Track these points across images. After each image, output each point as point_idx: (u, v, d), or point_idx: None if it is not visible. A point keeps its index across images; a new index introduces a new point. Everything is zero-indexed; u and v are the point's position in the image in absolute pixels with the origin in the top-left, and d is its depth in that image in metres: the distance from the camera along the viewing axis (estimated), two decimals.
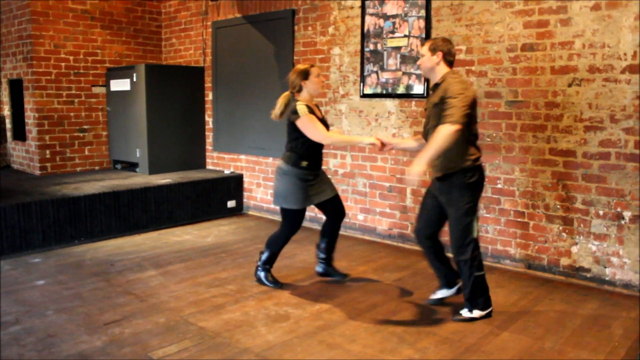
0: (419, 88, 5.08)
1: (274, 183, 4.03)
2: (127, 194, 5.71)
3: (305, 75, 3.88)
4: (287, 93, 3.97)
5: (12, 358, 2.97)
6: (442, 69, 3.46)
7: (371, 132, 5.44)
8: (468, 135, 3.37)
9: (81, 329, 3.34)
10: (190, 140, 7.23)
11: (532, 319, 3.54)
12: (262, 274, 4.17)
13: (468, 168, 3.40)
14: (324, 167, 4.36)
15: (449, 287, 3.79)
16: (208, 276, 4.38)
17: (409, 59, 5.12)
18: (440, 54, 3.44)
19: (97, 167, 7.34)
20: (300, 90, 3.91)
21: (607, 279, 4.14)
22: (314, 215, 5.94)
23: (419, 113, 5.09)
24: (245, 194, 6.89)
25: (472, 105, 3.35)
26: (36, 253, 4.99)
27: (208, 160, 7.42)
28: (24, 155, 7.17)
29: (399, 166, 5.30)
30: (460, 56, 4.77)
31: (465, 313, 3.54)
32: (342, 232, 5.70)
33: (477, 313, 3.53)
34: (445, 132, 3.18)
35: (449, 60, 3.48)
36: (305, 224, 4.86)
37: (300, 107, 3.79)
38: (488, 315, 3.56)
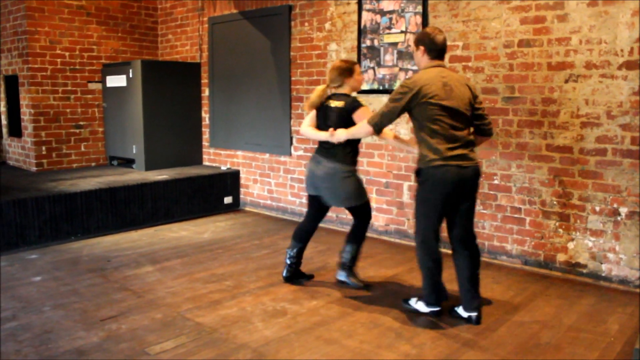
0: None
1: (334, 187, 3.81)
2: (124, 190, 5.69)
3: (349, 72, 3.84)
4: (323, 86, 3.92)
5: (9, 354, 2.97)
6: (423, 63, 3.44)
7: None
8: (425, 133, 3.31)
9: (78, 325, 3.34)
10: (186, 136, 7.21)
11: (529, 315, 3.56)
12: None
13: (419, 169, 3.39)
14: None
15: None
16: (205, 272, 4.38)
17: (406, 54, 5.11)
18: (422, 47, 3.40)
19: (93, 164, 7.32)
20: (340, 86, 3.87)
21: (603, 274, 4.15)
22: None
23: None
24: (242, 190, 6.88)
25: (414, 99, 3.26)
26: (32, 249, 4.98)
27: (204, 157, 7.41)
28: (20, 152, 7.14)
29: (395, 162, 5.31)
30: (457, 52, 4.77)
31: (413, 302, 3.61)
32: (339, 228, 5.73)
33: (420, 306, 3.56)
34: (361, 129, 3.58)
35: (432, 51, 3.37)
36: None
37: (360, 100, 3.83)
38: (433, 314, 3.52)
